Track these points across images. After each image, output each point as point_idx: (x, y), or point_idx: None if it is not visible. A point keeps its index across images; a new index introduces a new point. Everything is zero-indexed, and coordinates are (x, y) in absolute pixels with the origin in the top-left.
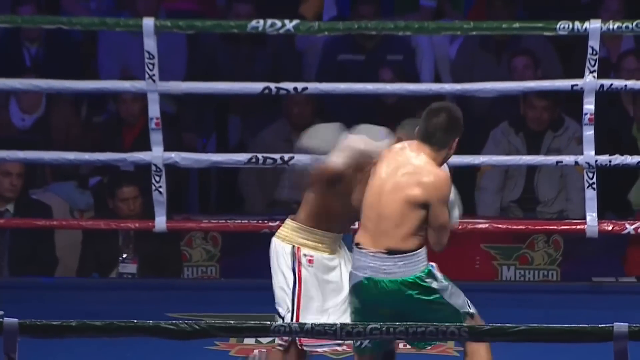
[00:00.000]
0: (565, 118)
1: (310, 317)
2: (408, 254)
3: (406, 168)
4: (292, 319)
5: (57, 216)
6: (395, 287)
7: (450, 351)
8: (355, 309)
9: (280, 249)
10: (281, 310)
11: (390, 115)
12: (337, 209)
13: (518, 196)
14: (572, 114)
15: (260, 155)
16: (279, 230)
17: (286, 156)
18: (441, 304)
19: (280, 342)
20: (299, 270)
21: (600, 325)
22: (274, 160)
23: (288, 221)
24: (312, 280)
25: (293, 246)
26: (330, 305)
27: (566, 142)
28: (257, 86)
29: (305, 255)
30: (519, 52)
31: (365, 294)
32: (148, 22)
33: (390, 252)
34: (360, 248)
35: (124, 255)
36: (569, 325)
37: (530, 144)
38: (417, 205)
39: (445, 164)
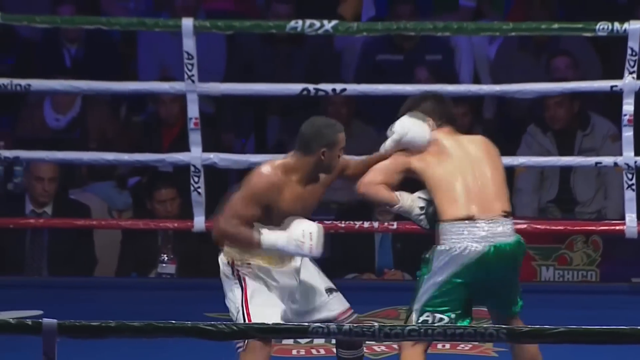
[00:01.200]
0: (592, 115)
1: (262, 310)
2: (511, 214)
3: (469, 141)
4: (243, 317)
5: (96, 216)
6: (515, 248)
7: (489, 352)
8: (455, 286)
9: (221, 263)
10: (232, 315)
11: None
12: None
13: (554, 196)
14: (595, 110)
15: None
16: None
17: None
18: (520, 267)
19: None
20: (238, 273)
21: (639, 327)
22: None
23: None
24: (255, 278)
25: (228, 261)
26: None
27: (600, 141)
28: (295, 87)
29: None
30: (560, 52)
31: (488, 265)
32: (187, 23)
33: (507, 214)
34: (473, 220)
35: (164, 256)
36: (608, 327)
37: (559, 143)
38: (502, 167)
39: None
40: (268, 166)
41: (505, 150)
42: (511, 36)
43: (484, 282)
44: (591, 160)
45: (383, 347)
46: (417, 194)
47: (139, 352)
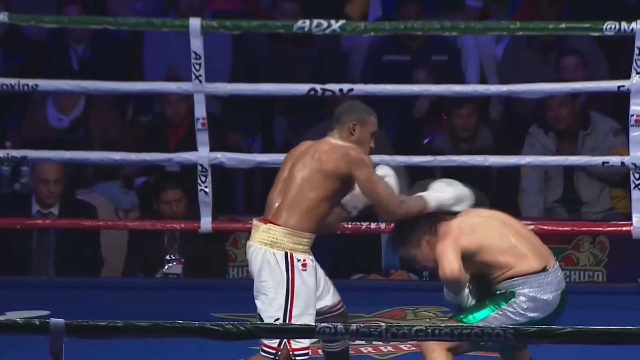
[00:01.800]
0: (592, 114)
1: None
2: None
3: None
4: (284, 318)
5: (102, 216)
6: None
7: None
8: None
9: (270, 257)
10: (268, 313)
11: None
12: (330, 210)
13: (559, 196)
14: (595, 108)
15: None
16: (260, 235)
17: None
18: None
19: (268, 349)
20: (292, 277)
21: None
22: None
23: (271, 226)
24: (305, 285)
25: (286, 253)
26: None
27: (602, 139)
28: (302, 87)
29: (299, 260)
30: (569, 51)
31: (559, 311)
32: (194, 23)
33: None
34: (545, 271)
35: (170, 256)
36: (615, 327)
37: (561, 143)
38: None
39: None
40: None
41: (512, 150)
42: (518, 36)
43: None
44: (598, 159)
45: (390, 348)
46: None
47: (145, 353)
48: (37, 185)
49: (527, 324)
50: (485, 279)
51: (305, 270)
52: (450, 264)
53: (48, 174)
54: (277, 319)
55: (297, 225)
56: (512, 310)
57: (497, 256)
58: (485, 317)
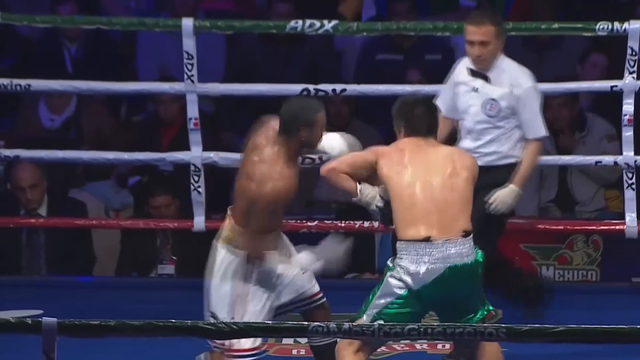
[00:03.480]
0: (588, 116)
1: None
2: (472, 231)
3: (440, 155)
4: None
5: (92, 215)
6: (471, 268)
7: None
8: (410, 302)
9: (229, 257)
10: (220, 314)
11: None
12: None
13: (554, 196)
14: (593, 110)
15: None
16: (225, 234)
17: (324, 155)
18: (480, 282)
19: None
20: (250, 277)
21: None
22: (312, 159)
23: (235, 226)
24: (260, 284)
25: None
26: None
27: (597, 141)
28: (295, 88)
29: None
30: (597, 49)
31: (445, 285)
32: (187, 23)
33: (466, 233)
34: (430, 241)
35: (163, 256)
36: (608, 326)
37: (557, 143)
38: (473, 183)
39: None
40: (269, 165)
41: None
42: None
43: (439, 300)
44: (591, 159)
45: (383, 347)
46: (379, 190)
47: (137, 352)
48: (15, 192)
49: (404, 295)
50: None
51: (263, 268)
52: (337, 162)
53: (23, 181)
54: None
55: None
56: (394, 277)
57: (396, 204)
58: (380, 292)
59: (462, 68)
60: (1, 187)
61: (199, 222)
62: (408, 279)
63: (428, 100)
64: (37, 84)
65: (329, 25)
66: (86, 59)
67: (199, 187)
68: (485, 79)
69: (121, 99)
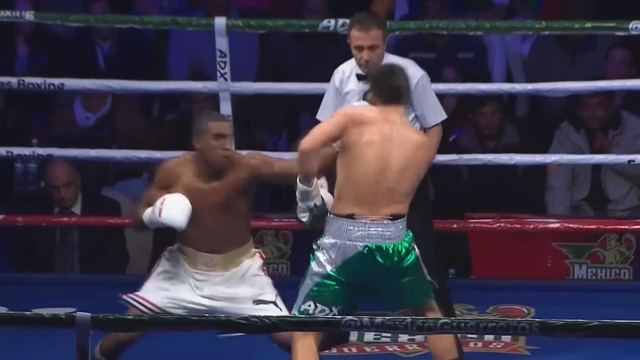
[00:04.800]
0: (623, 114)
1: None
2: (404, 217)
3: (409, 145)
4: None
5: (125, 213)
6: (396, 252)
7: (522, 350)
8: (335, 280)
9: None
10: None
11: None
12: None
13: (586, 194)
14: (628, 108)
15: None
16: None
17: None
18: (418, 269)
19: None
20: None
21: None
22: None
23: None
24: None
25: None
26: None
27: (632, 139)
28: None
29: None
30: (619, 44)
31: (363, 264)
32: (220, 22)
33: (395, 217)
34: (353, 218)
35: None
36: None
37: (592, 141)
38: (424, 169)
39: None
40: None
41: (539, 148)
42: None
43: (360, 279)
44: (624, 158)
45: (415, 346)
46: (322, 192)
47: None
48: (50, 190)
49: (328, 273)
50: None
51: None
52: (311, 136)
53: (56, 179)
54: None
55: None
56: (318, 256)
57: (341, 175)
58: (309, 274)
59: (344, 75)
60: (35, 185)
61: None
62: (331, 255)
63: (398, 68)
64: (70, 82)
65: None
66: (119, 57)
67: None
68: None
69: (154, 98)
